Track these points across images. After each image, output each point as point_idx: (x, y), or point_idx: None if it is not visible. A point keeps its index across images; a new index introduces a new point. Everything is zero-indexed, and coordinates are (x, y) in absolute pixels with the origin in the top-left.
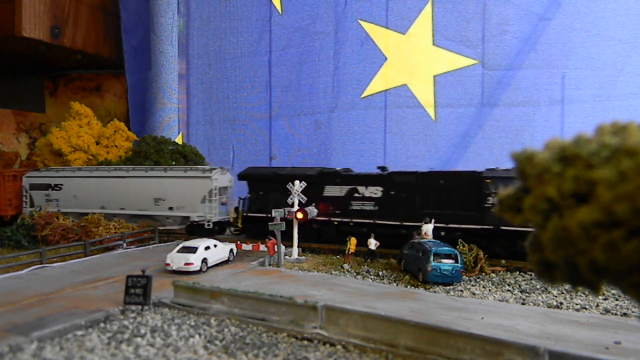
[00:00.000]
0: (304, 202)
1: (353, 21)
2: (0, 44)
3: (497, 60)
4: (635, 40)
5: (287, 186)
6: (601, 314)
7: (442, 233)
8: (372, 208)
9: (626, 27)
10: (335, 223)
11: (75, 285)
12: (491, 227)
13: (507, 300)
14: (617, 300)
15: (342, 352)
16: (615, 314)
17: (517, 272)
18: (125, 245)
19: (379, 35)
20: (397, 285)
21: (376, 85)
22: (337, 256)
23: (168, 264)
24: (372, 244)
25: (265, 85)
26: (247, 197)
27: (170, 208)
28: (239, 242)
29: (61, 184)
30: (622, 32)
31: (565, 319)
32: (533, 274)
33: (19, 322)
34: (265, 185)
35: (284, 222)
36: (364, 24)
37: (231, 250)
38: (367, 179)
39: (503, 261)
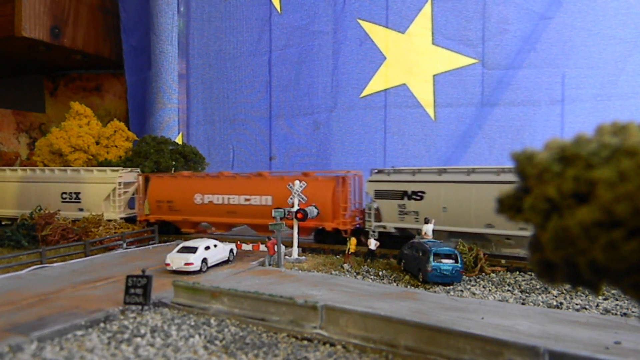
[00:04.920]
0: (304, 201)
1: (352, 20)
2: (0, 44)
3: (497, 60)
4: (636, 39)
5: (288, 186)
6: (601, 314)
7: None
8: None
9: (628, 26)
10: None
11: (75, 285)
12: None
13: (507, 300)
14: (617, 300)
15: (342, 352)
16: (615, 314)
17: (517, 272)
18: (125, 245)
19: (378, 34)
20: (397, 285)
21: (375, 84)
22: (337, 256)
23: (168, 264)
24: (372, 244)
25: (265, 85)
26: None
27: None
28: (238, 242)
29: (422, 192)
30: (624, 31)
31: (565, 319)
32: (533, 274)
33: (19, 322)
34: None
35: (284, 222)
36: (363, 23)
37: (231, 250)
38: None
39: (503, 261)
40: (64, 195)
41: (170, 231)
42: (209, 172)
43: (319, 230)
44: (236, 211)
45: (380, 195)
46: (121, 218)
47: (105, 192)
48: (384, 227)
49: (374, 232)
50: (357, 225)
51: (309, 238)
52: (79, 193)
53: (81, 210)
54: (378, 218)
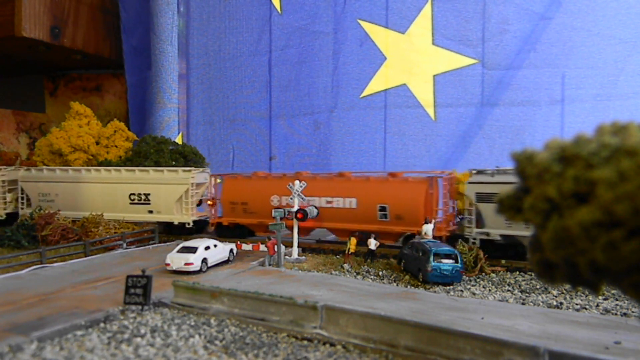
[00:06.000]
0: (304, 201)
1: (352, 21)
2: (0, 44)
3: (497, 60)
4: (636, 39)
5: (288, 186)
6: (601, 314)
7: None
8: None
9: (627, 26)
10: None
11: (75, 285)
12: None
13: (507, 300)
14: (617, 300)
15: (342, 352)
16: (615, 314)
17: (517, 272)
18: (125, 245)
19: (379, 34)
20: (397, 285)
21: (375, 85)
22: (337, 256)
23: (168, 264)
24: (372, 244)
25: (265, 85)
26: None
27: None
28: (239, 242)
29: None
30: (624, 31)
31: (565, 319)
32: (533, 274)
33: (19, 322)
34: None
35: (283, 222)
36: (363, 24)
37: (231, 250)
38: None
39: (503, 261)
40: (132, 197)
41: (244, 234)
42: (286, 173)
43: (407, 237)
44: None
45: (482, 198)
46: (193, 221)
47: (177, 193)
48: (487, 234)
49: (474, 239)
50: (453, 231)
51: (398, 244)
52: (148, 194)
53: (150, 212)
54: (479, 223)
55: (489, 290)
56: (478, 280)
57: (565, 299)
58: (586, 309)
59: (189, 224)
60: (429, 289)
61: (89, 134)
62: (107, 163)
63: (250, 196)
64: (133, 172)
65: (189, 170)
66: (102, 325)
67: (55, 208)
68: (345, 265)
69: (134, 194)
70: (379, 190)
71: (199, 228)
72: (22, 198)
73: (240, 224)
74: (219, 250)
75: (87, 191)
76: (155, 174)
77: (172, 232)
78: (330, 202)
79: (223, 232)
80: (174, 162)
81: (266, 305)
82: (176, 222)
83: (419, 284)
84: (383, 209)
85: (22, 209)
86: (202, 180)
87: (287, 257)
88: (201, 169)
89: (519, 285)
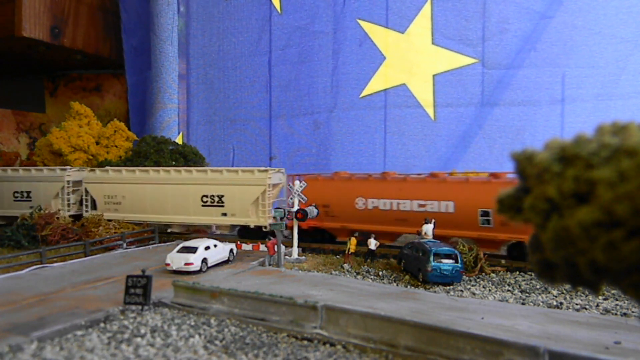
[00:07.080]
0: (304, 201)
1: (352, 20)
2: (0, 44)
3: (498, 59)
4: (637, 38)
5: (288, 186)
6: (601, 314)
7: None
8: None
9: (628, 25)
10: None
11: (75, 285)
12: None
13: (507, 300)
14: (617, 300)
15: (342, 352)
16: (615, 314)
17: (517, 272)
18: (125, 245)
19: (378, 34)
20: (397, 285)
21: (375, 84)
22: (337, 256)
23: (168, 264)
24: (372, 244)
25: (265, 85)
26: None
27: None
28: (239, 242)
29: None
30: (625, 31)
31: (565, 319)
32: (533, 274)
33: (19, 322)
34: None
35: (284, 222)
36: (362, 23)
37: (231, 250)
38: None
39: (503, 261)
40: (205, 199)
41: (325, 239)
42: (372, 173)
43: (513, 245)
44: (407, 219)
45: None
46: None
47: (253, 194)
48: None
49: None
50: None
51: (502, 252)
52: (222, 196)
53: (224, 215)
54: None
55: (489, 290)
56: (478, 280)
57: (565, 299)
58: (586, 309)
59: (265, 227)
60: (429, 289)
61: (89, 134)
62: (107, 163)
63: (333, 198)
64: (205, 173)
65: (265, 171)
66: (102, 325)
67: (122, 211)
68: (345, 265)
69: (206, 196)
70: (481, 193)
71: (273, 231)
72: (87, 200)
73: (320, 228)
74: (219, 250)
75: (156, 193)
76: (229, 175)
77: (247, 235)
78: (423, 206)
79: (302, 237)
80: (174, 162)
81: (266, 305)
82: (252, 226)
83: (419, 284)
84: (486, 214)
85: (86, 211)
86: (277, 180)
87: (287, 257)
88: (276, 169)
89: (519, 285)
